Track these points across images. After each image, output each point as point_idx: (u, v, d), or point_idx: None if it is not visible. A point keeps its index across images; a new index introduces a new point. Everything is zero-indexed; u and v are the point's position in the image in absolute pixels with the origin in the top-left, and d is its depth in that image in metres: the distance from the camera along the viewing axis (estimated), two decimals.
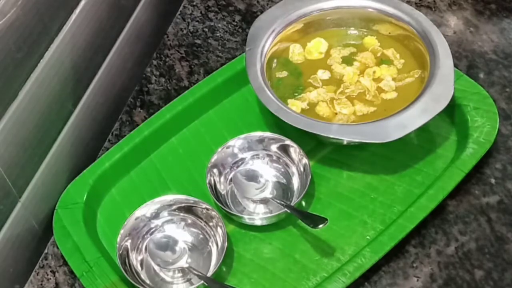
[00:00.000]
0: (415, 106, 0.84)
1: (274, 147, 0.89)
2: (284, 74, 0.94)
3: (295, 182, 0.87)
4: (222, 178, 0.88)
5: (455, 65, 0.88)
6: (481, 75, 0.97)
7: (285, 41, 0.95)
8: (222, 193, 0.87)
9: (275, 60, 0.94)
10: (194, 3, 1.11)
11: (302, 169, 0.86)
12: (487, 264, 0.81)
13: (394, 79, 0.91)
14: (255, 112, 0.95)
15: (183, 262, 0.81)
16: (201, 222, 0.84)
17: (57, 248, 0.84)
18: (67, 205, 0.86)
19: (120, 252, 0.81)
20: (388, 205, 0.85)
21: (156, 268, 0.82)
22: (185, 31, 1.08)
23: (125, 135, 0.93)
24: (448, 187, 0.83)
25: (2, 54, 0.70)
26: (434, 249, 0.83)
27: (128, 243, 0.82)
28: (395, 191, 0.87)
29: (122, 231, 0.82)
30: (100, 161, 0.90)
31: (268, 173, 0.89)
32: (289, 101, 0.90)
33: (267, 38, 0.93)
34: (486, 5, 1.05)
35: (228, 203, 0.86)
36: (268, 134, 0.89)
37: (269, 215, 0.84)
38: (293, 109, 0.87)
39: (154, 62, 1.04)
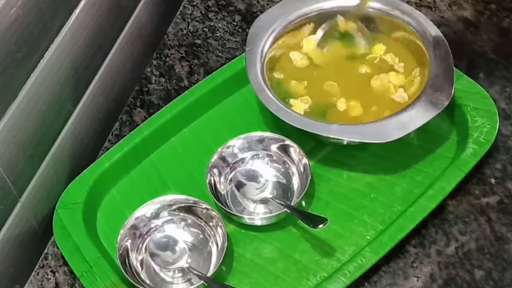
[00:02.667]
0: (415, 106, 0.84)
1: (274, 147, 0.89)
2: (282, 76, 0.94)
3: (295, 182, 0.87)
4: (222, 178, 0.88)
5: (455, 65, 0.88)
6: (481, 75, 0.97)
7: (285, 42, 0.95)
8: (222, 193, 0.87)
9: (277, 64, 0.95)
10: (194, 3, 1.11)
11: (302, 169, 0.87)
12: (487, 264, 0.81)
13: (403, 87, 0.90)
14: (255, 112, 0.95)
15: (183, 262, 0.81)
16: (201, 222, 0.84)
17: (57, 248, 0.84)
18: (67, 205, 0.86)
19: (120, 252, 0.81)
20: (388, 205, 0.85)
21: (156, 268, 0.82)
22: (185, 31, 1.08)
23: (125, 135, 0.93)
24: (448, 187, 0.83)
25: (2, 54, 0.70)
26: (434, 249, 0.83)
27: (128, 243, 0.82)
28: (395, 191, 0.87)
29: (122, 231, 0.82)
30: (100, 161, 0.90)
31: (268, 173, 0.89)
32: (291, 101, 0.90)
33: (267, 38, 0.93)
34: (486, 5, 1.05)
35: (228, 203, 0.86)
36: (268, 134, 0.89)
37: (269, 215, 0.84)
38: (293, 109, 0.87)
39: (154, 62, 1.04)
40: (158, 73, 1.03)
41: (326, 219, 0.78)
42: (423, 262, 0.82)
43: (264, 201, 0.86)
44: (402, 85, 0.90)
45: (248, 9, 1.10)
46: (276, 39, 0.93)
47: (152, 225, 0.84)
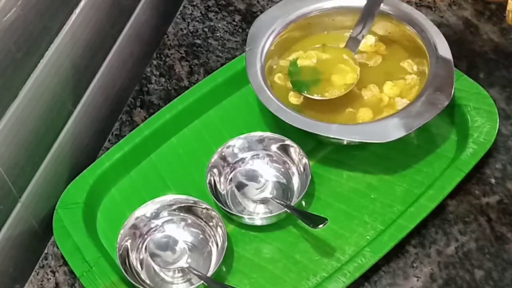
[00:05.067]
0: (415, 106, 0.84)
1: (274, 147, 0.89)
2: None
3: (295, 182, 0.87)
4: (222, 178, 0.88)
5: (455, 65, 0.88)
6: (481, 75, 0.97)
7: (285, 42, 0.95)
8: (222, 193, 0.87)
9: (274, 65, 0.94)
10: (194, 3, 1.11)
11: (302, 169, 0.87)
12: (487, 264, 0.81)
13: (401, 95, 0.90)
14: (255, 112, 0.95)
15: (183, 262, 0.81)
16: (201, 222, 0.84)
17: (57, 248, 0.84)
18: (67, 205, 0.86)
19: (120, 252, 0.81)
20: (388, 205, 0.85)
21: (156, 268, 0.82)
22: (185, 31, 1.08)
23: (125, 135, 0.93)
24: (448, 187, 0.83)
25: (2, 54, 0.70)
26: (434, 249, 0.83)
27: (128, 243, 0.82)
28: (395, 191, 0.87)
29: (122, 231, 0.82)
30: (100, 161, 0.90)
31: (268, 173, 0.89)
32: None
33: (267, 38, 0.93)
34: (486, 5, 1.05)
35: (228, 203, 0.86)
36: (268, 134, 0.89)
37: (269, 215, 0.84)
38: (292, 108, 0.87)
39: (154, 62, 1.04)
40: (158, 73, 1.03)
41: (326, 219, 0.78)
42: (423, 262, 0.82)
43: (264, 201, 0.86)
44: (398, 95, 0.90)
45: (248, 9, 1.10)
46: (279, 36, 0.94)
47: (152, 225, 0.84)
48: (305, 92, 0.90)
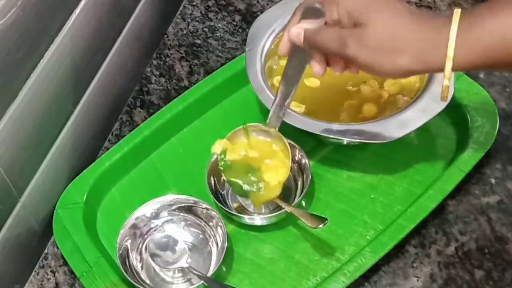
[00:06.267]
0: (415, 106, 0.84)
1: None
2: None
3: (295, 182, 0.87)
4: (222, 178, 0.88)
5: None
6: (481, 75, 0.97)
7: None
8: (222, 193, 0.87)
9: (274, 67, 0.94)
10: (194, 3, 1.11)
11: (302, 169, 0.86)
12: (487, 264, 0.81)
13: (402, 93, 0.90)
14: (255, 112, 0.95)
15: (183, 262, 0.81)
16: (201, 222, 0.84)
17: (57, 248, 0.84)
18: (67, 205, 0.86)
19: (120, 252, 0.81)
20: (388, 205, 0.85)
21: (156, 268, 0.82)
22: (185, 31, 1.08)
23: (125, 135, 0.93)
24: (448, 187, 0.83)
25: (2, 54, 0.70)
26: (434, 249, 0.83)
27: (128, 243, 0.82)
28: (395, 191, 0.87)
29: (122, 231, 0.82)
30: (100, 161, 0.90)
31: None
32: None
33: (267, 38, 0.93)
34: None
35: (228, 203, 0.86)
36: None
37: (269, 215, 0.84)
38: (292, 109, 0.87)
39: (154, 62, 1.04)
40: (158, 73, 1.03)
41: (326, 219, 0.78)
42: (423, 262, 0.82)
43: None
44: (399, 92, 0.90)
45: (248, 9, 1.10)
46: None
47: (152, 225, 0.84)
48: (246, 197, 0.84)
